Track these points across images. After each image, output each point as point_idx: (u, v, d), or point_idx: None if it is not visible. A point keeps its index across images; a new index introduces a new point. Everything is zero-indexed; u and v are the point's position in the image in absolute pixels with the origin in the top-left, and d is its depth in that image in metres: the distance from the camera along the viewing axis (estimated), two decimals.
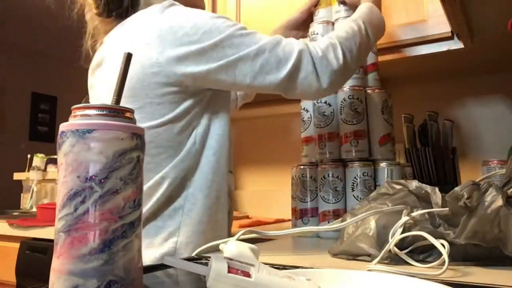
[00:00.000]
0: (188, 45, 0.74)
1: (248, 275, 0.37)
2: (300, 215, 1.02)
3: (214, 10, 1.50)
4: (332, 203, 0.94)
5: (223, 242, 0.72)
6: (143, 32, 0.78)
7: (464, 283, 0.43)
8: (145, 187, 0.75)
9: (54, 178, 1.80)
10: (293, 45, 0.78)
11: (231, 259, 0.38)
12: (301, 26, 1.13)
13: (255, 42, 0.77)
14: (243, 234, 0.70)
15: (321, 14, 1.07)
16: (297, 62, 0.77)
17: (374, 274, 0.48)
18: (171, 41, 0.74)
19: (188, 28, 0.75)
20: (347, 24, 0.88)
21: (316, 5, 1.11)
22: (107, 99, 0.83)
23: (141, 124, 0.77)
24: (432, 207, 0.62)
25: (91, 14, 0.90)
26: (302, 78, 0.78)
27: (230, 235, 0.90)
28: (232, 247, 0.41)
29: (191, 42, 0.74)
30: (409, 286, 0.43)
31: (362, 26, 0.87)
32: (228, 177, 0.85)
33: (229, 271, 0.37)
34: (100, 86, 0.85)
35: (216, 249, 0.74)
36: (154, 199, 0.77)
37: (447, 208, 0.59)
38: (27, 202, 1.87)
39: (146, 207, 0.77)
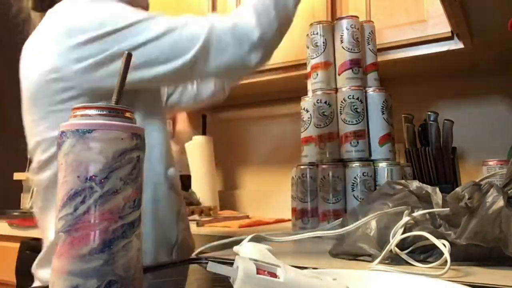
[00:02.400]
0: (84, 34, 0.70)
1: (275, 276, 0.36)
2: (300, 215, 1.02)
3: (214, 9, 1.50)
4: (332, 203, 0.94)
5: (228, 242, 0.72)
6: (44, 32, 0.75)
7: (466, 283, 0.43)
8: None
9: None
10: (202, 21, 0.75)
11: (256, 260, 0.36)
12: None
13: (162, 23, 0.73)
14: (251, 239, 0.68)
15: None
16: (208, 35, 0.73)
17: (396, 275, 0.47)
18: (68, 40, 0.70)
19: (87, 22, 0.71)
20: None
21: None
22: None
23: (47, 134, 0.74)
24: (432, 208, 0.62)
25: (29, 11, 0.88)
26: (216, 49, 0.74)
27: (186, 234, 0.88)
28: (251, 248, 0.40)
29: (88, 33, 0.70)
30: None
31: None
32: (167, 175, 0.82)
33: (257, 273, 0.35)
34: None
35: (215, 249, 0.73)
36: None
37: (448, 209, 0.59)
38: (27, 202, 1.87)
39: None
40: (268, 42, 0.80)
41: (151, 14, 0.75)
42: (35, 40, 0.78)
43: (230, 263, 0.36)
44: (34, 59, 0.76)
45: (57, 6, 0.78)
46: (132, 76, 0.71)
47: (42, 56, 0.73)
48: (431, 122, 1.20)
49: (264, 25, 0.77)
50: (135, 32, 0.71)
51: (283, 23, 0.83)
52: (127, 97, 0.77)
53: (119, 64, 0.70)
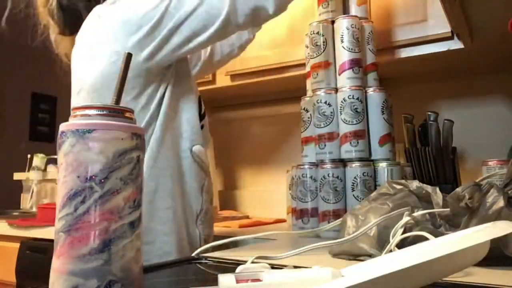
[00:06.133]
0: (140, 31, 0.83)
1: (258, 280, 0.36)
2: (300, 215, 1.02)
3: None
4: (332, 203, 0.94)
5: (228, 242, 0.71)
6: (96, 30, 0.87)
7: (466, 283, 0.43)
8: None
9: (54, 178, 1.80)
10: None
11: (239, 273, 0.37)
12: None
13: None
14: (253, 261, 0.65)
15: (331, 7, 1.07)
16: None
17: None
18: (124, 34, 0.83)
19: (139, 19, 0.83)
20: None
21: None
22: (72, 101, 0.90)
23: None
24: (433, 208, 0.62)
25: (55, 36, 1.00)
26: (240, 2, 0.84)
27: (210, 206, 0.95)
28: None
29: (139, 29, 0.83)
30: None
31: None
32: (192, 151, 0.90)
33: (238, 282, 0.36)
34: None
35: (215, 249, 0.73)
36: None
37: (448, 209, 0.59)
38: (27, 202, 1.86)
39: None
40: None
41: None
42: (86, 43, 0.90)
43: (230, 263, 0.37)
44: (91, 59, 0.87)
45: (100, 10, 0.90)
46: (182, 49, 0.85)
47: (100, 55, 0.85)
48: (431, 122, 1.20)
49: None
50: (174, 11, 0.83)
51: None
52: (159, 78, 0.86)
53: (172, 41, 0.83)
